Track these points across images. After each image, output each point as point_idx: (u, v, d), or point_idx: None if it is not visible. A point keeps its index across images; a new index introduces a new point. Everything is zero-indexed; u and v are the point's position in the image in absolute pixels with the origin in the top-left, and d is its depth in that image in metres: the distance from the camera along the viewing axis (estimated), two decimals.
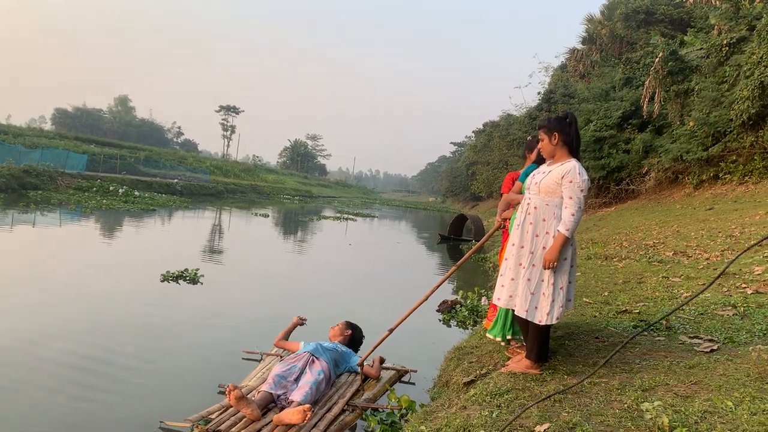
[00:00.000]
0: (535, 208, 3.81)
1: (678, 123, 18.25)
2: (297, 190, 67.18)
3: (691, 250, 9.04)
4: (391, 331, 4.64)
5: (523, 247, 3.80)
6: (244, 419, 3.60)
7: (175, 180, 39.27)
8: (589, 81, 28.97)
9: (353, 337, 5.20)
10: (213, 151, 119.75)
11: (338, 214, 32.74)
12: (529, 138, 5.24)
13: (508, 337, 4.53)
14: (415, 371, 5.19)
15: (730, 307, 5.39)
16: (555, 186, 3.71)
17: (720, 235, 10.02)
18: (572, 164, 3.73)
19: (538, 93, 35.14)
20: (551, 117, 3.93)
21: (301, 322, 5.48)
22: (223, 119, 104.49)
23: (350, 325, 5.27)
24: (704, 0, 22.20)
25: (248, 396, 3.97)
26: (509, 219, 4.59)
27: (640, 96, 20.02)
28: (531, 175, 4.03)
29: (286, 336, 5.19)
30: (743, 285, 6.16)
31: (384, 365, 5.03)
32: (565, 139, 3.79)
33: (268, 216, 26.88)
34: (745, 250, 2.01)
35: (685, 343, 4.42)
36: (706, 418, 2.86)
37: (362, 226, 27.75)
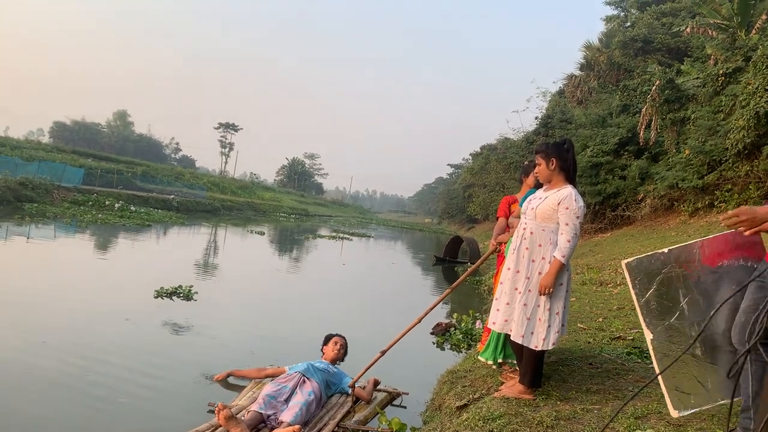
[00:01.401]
0: (531, 233, 3.81)
1: (674, 151, 18.38)
2: (293, 208, 67.16)
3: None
4: (383, 352, 4.61)
5: (518, 271, 3.80)
6: None
7: (172, 196, 39.25)
8: (587, 107, 29.21)
9: (345, 352, 5.15)
10: (211, 167, 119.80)
11: (334, 233, 32.71)
12: (525, 163, 5.27)
13: (500, 360, 4.51)
14: (407, 394, 5.14)
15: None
16: (551, 212, 3.72)
17: None
18: (569, 191, 3.75)
19: (536, 118, 35.37)
20: (549, 142, 3.96)
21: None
22: (221, 136, 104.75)
23: (340, 336, 5.21)
24: (701, 30, 22.49)
25: (238, 415, 3.92)
26: (504, 243, 4.60)
27: (637, 123, 20.16)
28: (527, 200, 4.04)
29: (256, 370, 5.01)
30: None
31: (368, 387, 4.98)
32: (563, 165, 3.80)
33: (263, 234, 26.83)
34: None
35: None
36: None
37: (358, 245, 27.71)
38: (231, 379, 5.21)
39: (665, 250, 3.27)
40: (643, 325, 3.23)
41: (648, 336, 3.21)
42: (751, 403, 2.74)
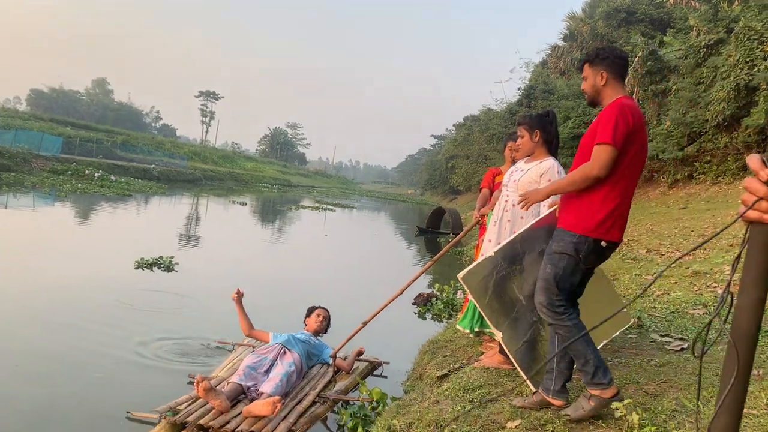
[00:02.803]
0: (513, 205, 3.80)
1: (655, 122, 18.46)
2: (276, 178, 66.69)
3: (664, 248, 9.16)
4: (365, 323, 4.62)
5: (499, 243, 3.80)
6: (213, 410, 3.55)
7: (153, 165, 38.71)
8: (570, 78, 29.18)
9: (328, 323, 5.13)
10: (191, 137, 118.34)
11: (317, 204, 32.60)
12: (509, 134, 5.24)
13: (476, 329, 4.53)
14: (388, 363, 5.17)
15: (700, 306, 5.47)
16: (533, 184, 3.71)
17: (692, 234, 10.17)
18: (551, 162, 3.74)
19: (519, 89, 35.34)
20: (532, 114, 3.93)
21: (238, 295, 4.99)
22: (202, 105, 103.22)
23: (323, 308, 5.17)
24: (684, 1, 22.44)
25: (218, 387, 3.92)
26: (486, 215, 4.59)
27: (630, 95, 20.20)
28: (509, 171, 4.02)
29: (248, 321, 4.95)
30: (714, 284, 6.26)
31: (350, 358, 4.99)
32: (546, 137, 3.78)
33: (246, 204, 26.66)
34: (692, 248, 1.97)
35: (656, 342, 4.47)
36: (674, 416, 2.89)
37: (341, 216, 27.68)
38: (213, 344, 5.21)
39: (491, 253, 3.49)
40: (492, 327, 3.43)
41: (498, 336, 3.41)
42: (555, 366, 2.96)
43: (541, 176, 3.69)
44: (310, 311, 5.13)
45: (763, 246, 1.16)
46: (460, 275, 3.51)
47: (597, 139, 2.78)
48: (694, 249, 1.62)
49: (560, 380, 2.90)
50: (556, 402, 2.89)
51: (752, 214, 1.15)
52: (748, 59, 14.15)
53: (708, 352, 4.07)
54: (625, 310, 4.03)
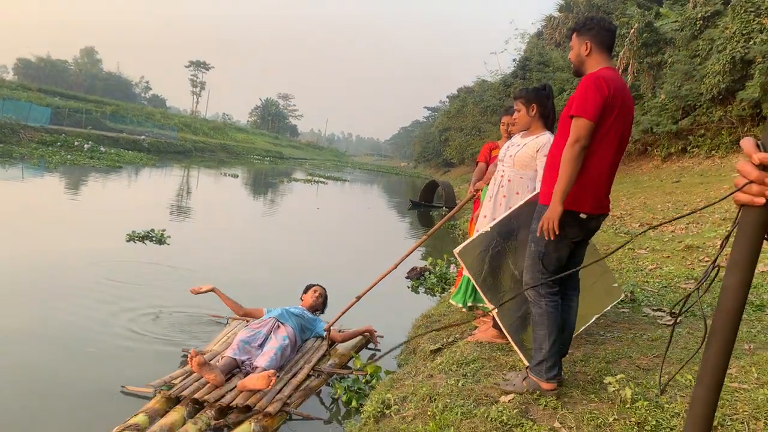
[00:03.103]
0: (509, 180, 3.78)
1: (650, 95, 18.40)
2: (267, 150, 66.24)
3: (657, 222, 9.20)
4: (358, 298, 4.62)
5: (494, 219, 3.78)
6: (208, 385, 3.55)
7: (143, 137, 38.30)
8: (565, 50, 28.89)
9: (324, 301, 5.13)
10: (182, 107, 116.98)
11: (309, 177, 32.47)
12: (504, 109, 5.19)
13: (470, 303, 4.53)
14: (382, 337, 5.18)
15: (692, 280, 5.50)
16: (529, 159, 3.68)
17: (685, 208, 10.21)
18: (547, 137, 3.70)
19: (514, 60, 35.01)
20: (529, 88, 3.87)
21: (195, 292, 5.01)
22: (192, 75, 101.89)
23: (320, 286, 5.17)
24: None
25: (212, 361, 3.92)
26: (481, 189, 4.56)
27: (614, 67, 20.08)
28: (505, 146, 3.98)
29: (235, 303, 4.94)
30: (706, 258, 6.29)
31: (350, 330, 5.00)
32: (542, 111, 3.74)
33: (237, 176, 26.51)
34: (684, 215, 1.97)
35: (648, 316, 4.50)
36: (666, 391, 2.91)
37: (333, 189, 27.60)
38: (206, 318, 5.21)
39: (488, 228, 3.50)
40: (486, 302, 3.47)
41: (493, 311, 3.43)
42: (547, 350, 2.92)
43: (537, 151, 3.65)
44: (308, 288, 5.14)
45: (752, 228, 1.16)
46: (456, 250, 3.50)
47: (571, 111, 2.77)
48: (673, 220, 1.61)
49: (550, 362, 2.89)
50: (548, 386, 2.89)
51: (742, 197, 1.14)
52: (744, 32, 14.05)
53: (699, 326, 4.10)
54: (616, 284, 4.05)
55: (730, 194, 1.16)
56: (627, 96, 2.87)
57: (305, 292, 5.11)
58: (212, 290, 4.97)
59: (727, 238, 1.29)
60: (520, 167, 3.75)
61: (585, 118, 2.69)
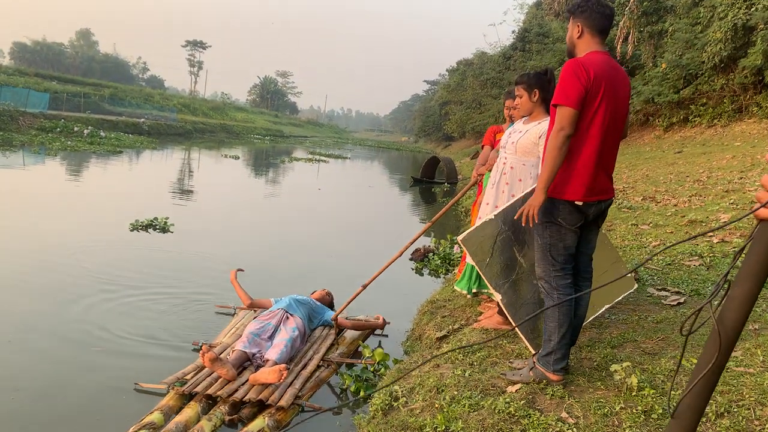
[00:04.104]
0: (512, 167, 3.77)
1: (651, 65, 18.23)
2: (268, 129, 65.96)
3: (660, 196, 9.19)
4: (364, 286, 4.65)
5: (497, 206, 3.78)
6: (220, 379, 3.60)
7: (142, 119, 38.16)
8: (565, 20, 28.57)
9: (332, 301, 5.21)
10: (180, 87, 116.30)
11: (310, 156, 32.38)
12: (506, 92, 5.16)
13: (474, 290, 4.57)
14: (389, 323, 5.22)
15: (696, 257, 5.51)
16: (532, 146, 3.67)
17: (688, 180, 10.18)
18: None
19: (513, 32, 34.62)
20: (530, 73, 3.84)
21: (238, 272, 5.23)
22: (190, 54, 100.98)
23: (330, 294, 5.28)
24: None
25: (222, 355, 3.97)
26: (484, 175, 4.56)
27: (614, 36, 19.85)
28: (507, 133, 3.97)
29: (246, 294, 4.99)
30: (709, 234, 6.28)
31: (357, 318, 5.05)
32: (545, 96, 3.72)
33: (238, 158, 26.44)
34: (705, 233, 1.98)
35: (653, 296, 4.52)
36: (672, 377, 2.94)
37: (334, 168, 27.54)
38: (214, 309, 5.26)
39: (491, 216, 3.50)
40: (491, 289, 3.46)
41: (497, 297, 3.45)
42: (557, 341, 2.93)
43: (540, 137, 3.64)
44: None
45: (767, 243, 1.17)
46: (460, 237, 3.51)
47: (553, 100, 2.79)
48: (692, 238, 1.61)
49: (558, 354, 2.92)
50: (555, 377, 2.93)
51: (765, 213, 1.14)
52: None
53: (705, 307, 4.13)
54: (630, 275, 4.06)
55: (753, 211, 1.16)
56: (618, 77, 2.84)
57: (314, 292, 5.25)
58: (236, 273, 5.15)
59: (741, 251, 1.29)
60: (523, 154, 3.74)
61: (567, 105, 2.70)
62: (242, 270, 5.29)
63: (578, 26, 2.91)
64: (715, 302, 1.32)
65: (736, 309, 1.26)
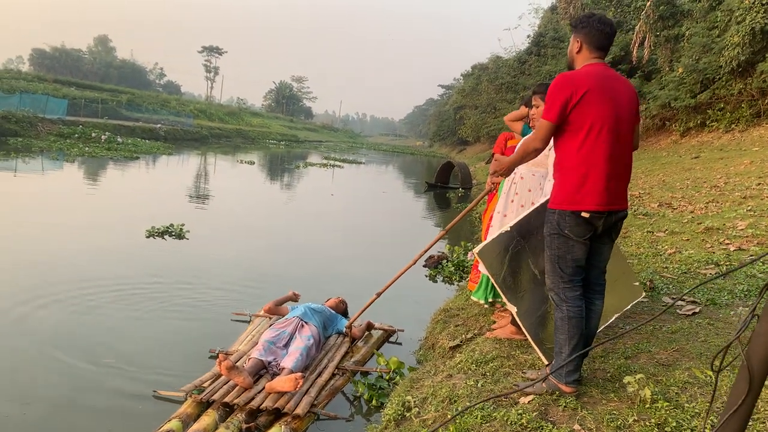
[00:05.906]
0: (522, 177, 3.79)
1: (667, 69, 18.11)
2: (283, 134, 66.28)
3: (676, 202, 9.12)
4: (378, 294, 4.68)
5: (506, 216, 3.80)
6: (237, 387, 3.65)
7: (159, 125, 38.52)
8: None
9: (346, 309, 5.25)
10: (196, 93, 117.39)
11: (324, 161, 32.51)
12: (525, 101, 5.16)
13: (490, 299, 4.58)
14: (402, 330, 5.25)
15: (712, 265, 5.46)
16: (542, 157, 3.68)
17: (705, 185, 10.10)
18: None
19: (528, 36, 34.55)
20: (548, 83, 3.85)
21: (295, 297, 5.32)
22: (206, 60, 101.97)
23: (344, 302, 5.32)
24: None
25: (239, 362, 4.02)
26: (499, 183, 4.57)
27: (631, 41, 19.74)
28: (520, 143, 3.98)
29: (279, 304, 5.08)
30: (726, 241, 6.22)
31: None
32: None
33: (253, 163, 26.63)
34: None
35: (667, 305, 4.49)
36: (686, 389, 2.94)
37: (348, 173, 27.63)
38: (230, 317, 5.31)
39: (507, 228, 3.49)
40: (506, 302, 3.45)
41: (513, 310, 3.43)
42: (568, 352, 2.93)
43: (550, 150, 3.64)
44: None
45: None
46: (475, 250, 3.52)
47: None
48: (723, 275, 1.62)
49: (571, 366, 2.92)
50: (567, 389, 2.93)
51: None
52: (764, 2, 13.74)
53: (720, 316, 4.11)
54: (636, 283, 4.06)
55: None
56: (616, 86, 2.85)
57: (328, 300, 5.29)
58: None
59: (766, 286, 1.30)
60: (533, 164, 3.75)
61: (545, 119, 2.84)
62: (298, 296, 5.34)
63: (578, 41, 2.95)
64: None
65: (764, 344, 1.23)
